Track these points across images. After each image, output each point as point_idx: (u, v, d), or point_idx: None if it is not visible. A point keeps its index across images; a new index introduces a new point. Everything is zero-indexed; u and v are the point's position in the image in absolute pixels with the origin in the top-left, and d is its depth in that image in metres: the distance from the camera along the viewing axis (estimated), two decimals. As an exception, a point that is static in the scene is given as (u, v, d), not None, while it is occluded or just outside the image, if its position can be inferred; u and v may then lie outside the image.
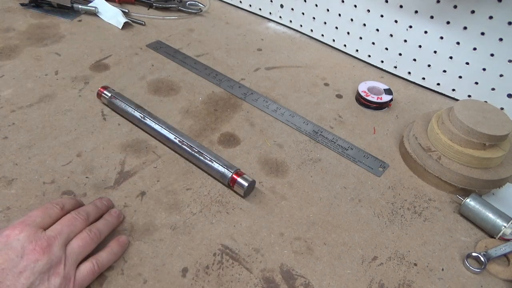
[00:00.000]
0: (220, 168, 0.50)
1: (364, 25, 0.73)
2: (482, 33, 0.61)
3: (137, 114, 0.56)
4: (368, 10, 0.71)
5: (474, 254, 0.46)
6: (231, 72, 0.71)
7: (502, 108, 0.65)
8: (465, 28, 0.62)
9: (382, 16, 0.70)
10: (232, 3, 0.92)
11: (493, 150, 0.51)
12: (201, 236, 0.45)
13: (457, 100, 0.69)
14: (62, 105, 0.59)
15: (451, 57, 0.66)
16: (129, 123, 0.58)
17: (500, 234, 0.47)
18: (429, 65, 0.69)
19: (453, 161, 0.52)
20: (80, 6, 0.81)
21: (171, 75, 0.69)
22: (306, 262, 0.44)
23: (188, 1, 0.87)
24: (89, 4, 0.81)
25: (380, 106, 0.66)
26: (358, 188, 0.53)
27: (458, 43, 0.64)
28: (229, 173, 0.49)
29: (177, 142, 0.53)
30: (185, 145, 0.53)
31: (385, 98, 0.66)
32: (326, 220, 0.49)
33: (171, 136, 0.54)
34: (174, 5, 0.86)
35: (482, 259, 0.45)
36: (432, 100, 0.70)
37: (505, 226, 0.46)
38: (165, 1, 0.86)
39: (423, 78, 0.72)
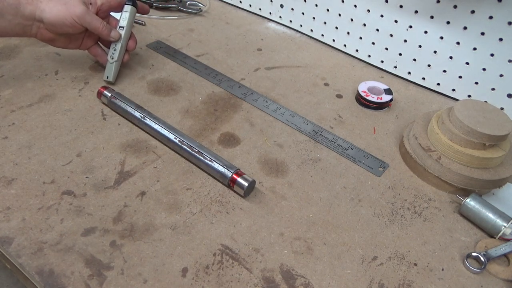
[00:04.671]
0: (220, 168, 0.50)
1: (364, 25, 0.73)
2: (482, 33, 0.61)
3: (137, 114, 0.56)
4: (368, 10, 0.71)
5: (474, 254, 0.46)
6: (231, 72, 0.71)
7: (502, 108, 0.65)
8: (465, 28, 0.62)
9: (382, 16, 0.70)
10: (232, 3, 0.92)
11: (493, 150, 0.51)
12: (201, 236, 0.45)
13: (457, 100, 0.69)
14: (62, 105, 0.59)
15: (451, 57, 0.66)
16: (129, 123, 0.58)
17: (500, 234, 0.47)
18: (429, 65, 0.69)
19: (453, 161, 0.52)
20: (80, 6, 0.81)
21: (171, 75, 0.69)
22: (306, 262, 0.44)
23: (188, 1, 0.87)
24: (89, 4, 0.81)
25: (380, 106, 0.66)
26: (358, 188, 0.53)
27: (458, 43, 0.64)
28: (229, 173, 0.49)
29: (177, 142, 0.53)
30: (185, 145, 0.53)
31: (385, 98, 0.66)
32: (326, 220, 0.49)
33: (171, 136, 0.54)
34: (174, 5, 0.86)
35: (482, 259, 0.45)
36: (432, 100, 0.70)
37: (505, 226, 0.46)
38: (165, 1, 0.86)
39: (423, 78, 0.72)
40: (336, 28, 0.77)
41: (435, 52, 0.67)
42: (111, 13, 0.64)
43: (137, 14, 0.66)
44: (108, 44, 0.63)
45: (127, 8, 0.64)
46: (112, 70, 0.63)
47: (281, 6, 0.83)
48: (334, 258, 0.45)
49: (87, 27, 0.57)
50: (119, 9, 0.63)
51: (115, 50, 0.63)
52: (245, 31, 0.84)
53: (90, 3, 0.58)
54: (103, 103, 0.60)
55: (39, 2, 0.54)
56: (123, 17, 0.63)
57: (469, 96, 0.68)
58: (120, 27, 0.63)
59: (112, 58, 0.63)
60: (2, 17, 0.53)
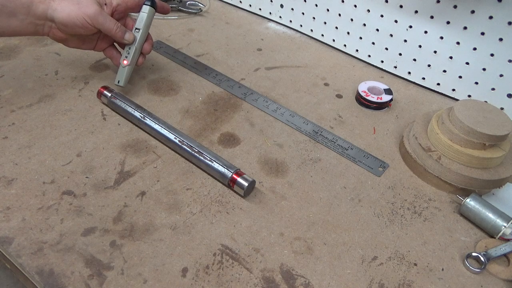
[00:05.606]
0: (220, 168, 0.50)
1: (364, 25, 0.73)
2: (482, 33, 0.61)
3: (137, 114, 0.56)
4: (368, 10, 0.71)
5: (474, 254, 0.46)
6: (231, 72, 0.71)
7: (502, 108, 0.65)
8: (465, 28, 0.62)
9: (382, 16, 0.70)
10: (232, 3, 0.92)
11: (493, 150, 0.51)
12: (201, 236, 0.45)
13: (457, 100, 0.69)
14: (62, 105, 0.59)
15: (451, 57, 0.66)
16: (129, 123, 0.58)
17: (500, 234, 0.47)
18: (429, 65, 0.69)
19: (453, 161, 0.52)
20: (80, 6, 0.80)
21: (171, 75, 0.69)
22: (306, 262, 0.44)
23: (188, 1, 0.87)
24: (89, 4, 0.81)
25: (380, 106, 0.66)
26: (358, 188, 0.53)
27: (458, 43, 0.64)
28: (229, 173, 0.49)
29: (177, 142, 0.53)
30: (185, 145, 0.53)
31: (385, 98, 0.66)
32: (326, 220, 0.49)
33: (171, 136, 0.54)
34: (174, 5, 0.86)
35: (482, 259, 0.45)
36: (432, 100, 0.70)
37: (505, 226, 0.46)
38: (165, 1, 0.86)
39: (423, 78, 0.72)
40: (336, 28, 0.77)
41: (435, 52, 0.67)
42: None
43: (136, 14, 0.64)
44: (123, 46, 0.61)
45: (145, 9, 0.60)
46: (124, 75, 0.60)
47: (281, 6, 0.83)
48: (334, 258, 0.45)
49: (100, 28, 0.56)
50: (137, 9, 0.60)
51: (128, 53, 0.60)
52: (245, 31, 0.84)
53: (105, 4, 0.56)
54: (103, 103, 0.60)
55: (52, 1, 0.53)
56: (140, 18, 0.60)
57: (469, 96, 0.68)
58: (136, 29, 0.60)
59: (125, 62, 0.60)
60: (15, 17, 0.51)
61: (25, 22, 0.53)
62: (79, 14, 0.53)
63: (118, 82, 0.61)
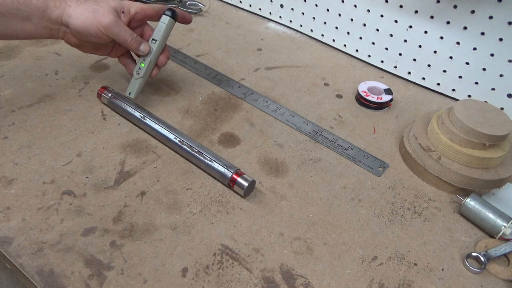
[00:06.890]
0: (220, 168, 0.50)
1: (364, 25, 0.73)
2: (482, 33, 0.61)
3: (137, 114, 0.56)
4: (368, 10, 0.71)
5: (474, 254, 0.46)
6: (231, 72, 0.71)
7: (502, 108, 0.65)
8: (465, 28, 0.62)
9: (382, 16, 0.70)
10: (232, 3, 0.92)
11: (493, 150, 0.51)
12: (201, 236, 0.45)
13: (457, 100, 0.69)
14: (62, 105, 0.59)
15: (451, 57, 0.66)
16: (129, 123, 0.58)
17: (500, 234, 0.47)
18: (429, 65, 0.69)
19: (453, 161, 0.52)
20: (80, 6, 0.80)
21: (171, 75, 0.69)
22: (306, 262, 0.44)
23: (188, 1, 0.87)
24: (89, 4, 0.81)
25: (380, 106, 0.66)
26: (358, 188, 0.53)
27: (458, 43, 0.64)
28: (229, 173, 0.49)
29: (177, 142, 0.53)
30: (185, 145, 0.53)
31: (385, 98, 0.66)
32: (326, 220, 0.49)
33: (171, 136, 0.54)
34: (174, 5, 0.86)
35: (482, 259, 0.45)
36: (432, 100, 0.70)
37: (505, 226, 0.46)
38: (165, 1, 0.86)
39: (423, 78, 0.72)
40: (336, 28, 0.77)
41: (435, 52, 0.67)
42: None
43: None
44: (138, 55, 0.58)
45: (165, 19, 0.57)
46: (136, 87, 0.58)
47: (281, 6, 0.83)
48: (334, 258, 0.45)
49: (114, 38, 0.54)
50: (156, 18, 0.57)
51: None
52: (245, 31, 0.84)
53: (123, 12, 0.54)
54: (103, 103, 0.60)
55: (67, 6, 0.52)
56: (158, 29, 0.57)
57: (469, 96, 0.68)
58: (152, 39, 0.57)
59: (138, 74, 0.58)
60: (29, 20, 0.51)
61: (39, 26, 0.52)
62: (93, 23, 0.52)
63: (130, 94, 0.59)
